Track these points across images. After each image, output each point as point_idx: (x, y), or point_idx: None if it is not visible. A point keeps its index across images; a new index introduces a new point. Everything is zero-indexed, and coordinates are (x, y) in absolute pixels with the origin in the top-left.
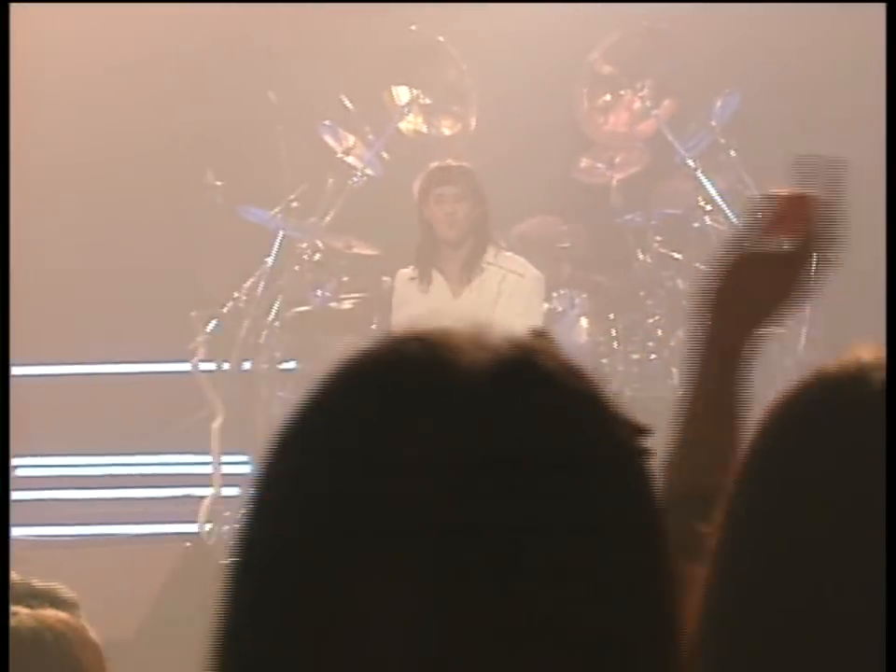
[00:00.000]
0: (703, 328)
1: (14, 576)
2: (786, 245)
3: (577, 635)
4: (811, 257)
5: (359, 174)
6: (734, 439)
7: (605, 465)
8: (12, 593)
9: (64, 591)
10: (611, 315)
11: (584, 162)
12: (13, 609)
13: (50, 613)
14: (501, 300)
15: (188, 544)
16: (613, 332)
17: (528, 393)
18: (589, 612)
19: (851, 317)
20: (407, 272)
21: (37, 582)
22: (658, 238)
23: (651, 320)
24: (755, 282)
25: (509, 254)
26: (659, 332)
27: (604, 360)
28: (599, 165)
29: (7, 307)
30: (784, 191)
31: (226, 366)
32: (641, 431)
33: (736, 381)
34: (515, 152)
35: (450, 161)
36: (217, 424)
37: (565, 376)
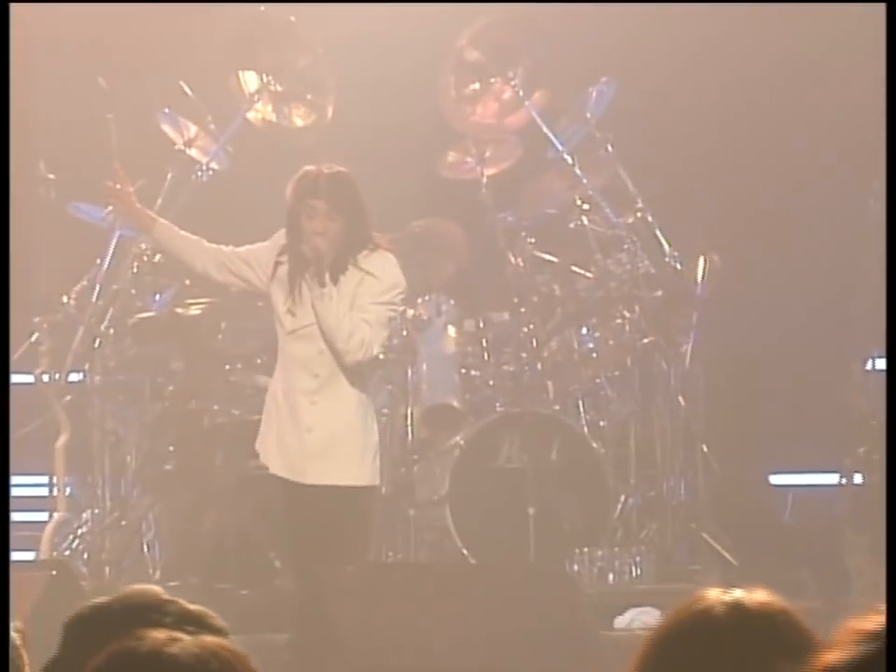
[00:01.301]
0: None
1: (163, 592)
2: None
3: None
4: None
5: (203, 167)
6: None
7: None
8: (160, 610)
9: (216, 617)
10: (481, 324)
11: (452, 157)
12: (175, 633)
13: (213, 640)
14: (354, 301)
15: (53, 572)
16: (483, 342)
17: None
18: None
19: (732, 332)
20: (280, 242)
21: (189, 605)
22: (531, 239)
23: (524, 329)
24: None
25: (383, 255)
26: (534, 343)
27: (474, 373)
28: (468, 160)
29: (7, 316)
30: None
31: (56, 377)
32: None
33: None
34: (376, 145)
35: (323, 169)
36: (61, 442)
37: None
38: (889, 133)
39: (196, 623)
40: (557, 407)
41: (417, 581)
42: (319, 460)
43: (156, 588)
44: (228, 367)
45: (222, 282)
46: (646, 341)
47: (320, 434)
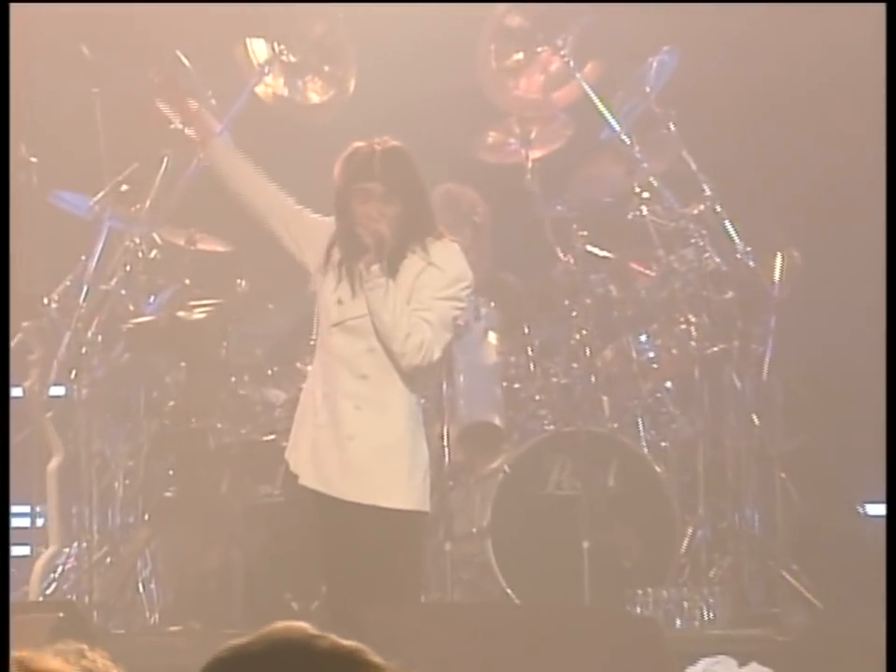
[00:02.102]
0: None
1: (310, 628)
2: None
3: None
4: None
5: None
6: None
7: None
8: (308, 648)
9: (371, 653)
10: (526, 329)
11: (492, 137)
12: None
13: None
14: (413, 294)
15: (61, 614)
16: (529, 351)
17: None
18: None
19: (814, 339)
20: (330, 227)
21: (342, 640)
22: (583, 233)
23: (576, 336)
24: None
25: (447, 244)
26: (587, 352)
27: (518, 386)
28: (511, 141)
29: (7, 327)
30: None
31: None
32: None
33: None
34: (404, 124)
35: (376, 145)
36: (54, 465)
37: None
38: (890, 132)
39: (350, 662)
40: (614, 425)
41: (460, 624)
42: (361, 474)
43: (301, 623)
44: (234, 379)
45: (275, 234)
46: (715, 349)
47: (363, 444)
